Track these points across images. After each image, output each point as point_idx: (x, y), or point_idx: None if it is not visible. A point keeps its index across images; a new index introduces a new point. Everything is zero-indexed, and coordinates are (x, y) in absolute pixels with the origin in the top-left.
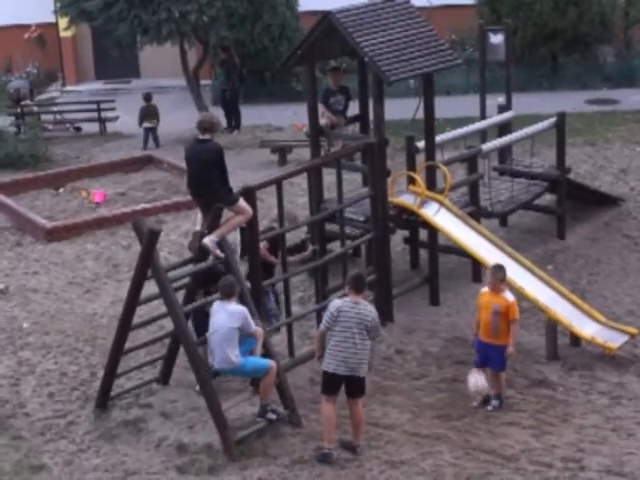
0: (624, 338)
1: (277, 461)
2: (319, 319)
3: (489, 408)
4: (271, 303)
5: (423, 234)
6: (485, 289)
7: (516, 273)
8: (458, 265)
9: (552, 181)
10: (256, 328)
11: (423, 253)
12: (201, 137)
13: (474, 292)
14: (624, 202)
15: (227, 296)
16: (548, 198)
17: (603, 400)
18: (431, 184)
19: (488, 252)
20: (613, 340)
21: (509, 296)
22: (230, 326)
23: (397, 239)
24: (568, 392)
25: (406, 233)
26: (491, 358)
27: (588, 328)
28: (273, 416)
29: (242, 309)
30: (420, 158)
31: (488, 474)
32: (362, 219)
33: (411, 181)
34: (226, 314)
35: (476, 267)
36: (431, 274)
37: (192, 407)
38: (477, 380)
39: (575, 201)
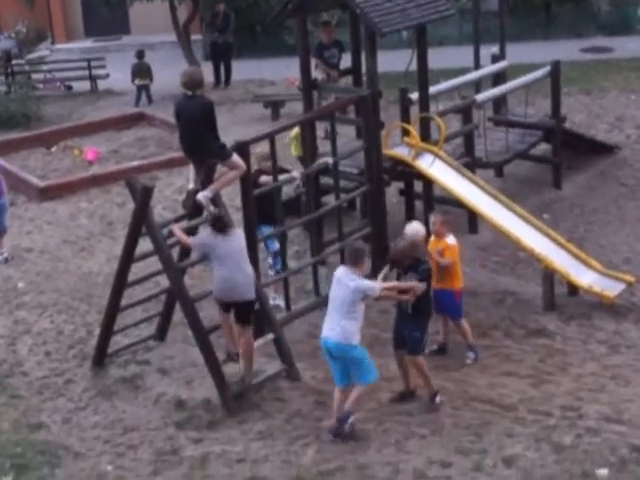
0: (621, 286)
1: (276, 415)
2: (315, 273)
3: (467, 362)
4: (275, 246)
5: (418, 186)
6: (432, 237)
7: (512, 223)
8: (453, 216)
9: (547, 130)
10: (374, 286)
11: (418, 205)
12: (190, 94)
13: (470, 243)
14: (620, 150)
15: (353, 263)
16: (544, 147)
17: (601, 349)
18: (425, 136)
19: (484, 203)
20: (610, 289)
21: (450, 240)
22: (353, 298)
23: (392, 191)
24: (566, 341)
25: (401, 185)
26: (443, 304)
27: (585, 277)
28: (348, 429)
29: (366, 284)
30: (414, 110)
31: (487, 424)
32: (357, 172)
33: (405, 133)
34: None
35: (472, 218)
36: (427, 226)
37: (189, 363)
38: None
39: (571, 150)
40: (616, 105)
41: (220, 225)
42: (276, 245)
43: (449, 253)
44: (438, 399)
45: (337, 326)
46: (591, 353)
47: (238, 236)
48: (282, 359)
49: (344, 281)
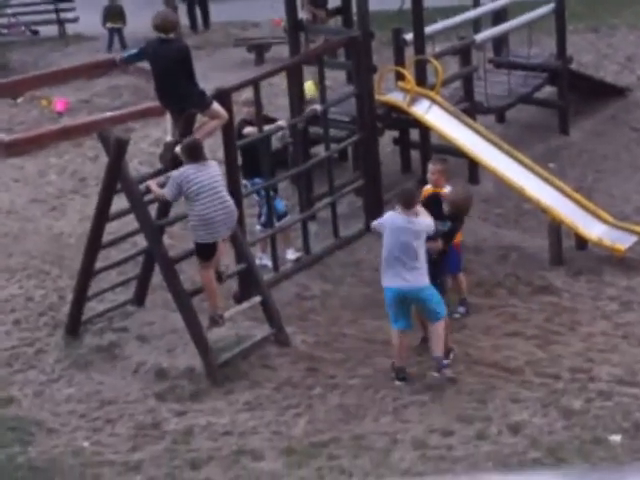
0: (633, 239)
1: (264, 384)
2: (305, 229)
3: (456, 316)
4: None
5: (414, 134)
6: (428, 185)
7: (516, 172)
8: (453, 166)
9: (552, 72)
10: (431, 223)
11: (415, 154)
12: (164, 37)
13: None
14: (631, 92)
15: (409, 206)
16: (548, 90)
17: (612, 306)
18: (421, 80)
19: (485, 151)
20: (621, 241)
21: (448, 189)
22: (418, 241)
23: (386, 140)
24: (574, 298)
25: (395, 133)
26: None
27: (594, 229)
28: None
29: (428, 223)
30: (409, 52)
31: (491, 388)
32: (347, 120)
33: (399, 77)
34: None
35: (472, 168)
36: (425, 177)
37: (171, 329)
38: None
39: (578, 93)
40: (626, 44)
41: (197, 152)
42: (282, 206)
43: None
44: (452, 356)
45: (409, 273)
46: (601, 311)
47: (213, 166)
48: (270, 323)
49: (406, 226)
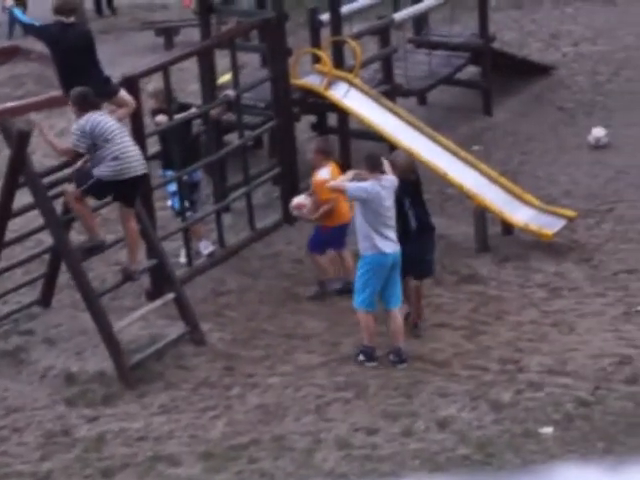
0: (561, 223)
1: (180, 385)
2: (219, 221)
3: (308, 295)
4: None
5: (332, 119)
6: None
7: (438, 157)
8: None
9: (475, 51)
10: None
11: (333, 140)
12: (66, 21)
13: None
14: (556, 70)
15: (377, 167)
16: (471, 71)
17: (540, 293)
18: (339, 62)
19: (406, 135)
20: (549, 226)
21: (322, 173)
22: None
23: (303, 126)
24: (501, 286)
25: (313, 119)
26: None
27: (521, 214)
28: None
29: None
30: (325, 33)
31: (418, 383)
32: (262, 105)
33: (316, 59)
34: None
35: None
36: (343, 163)
37: (79, 330)
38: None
39: (502, 72)
40: (550, 20)
41: (92, 101)
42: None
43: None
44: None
45: (394, 235)
46: (529, 298)
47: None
48: (185, 321)
49: (387, 187)
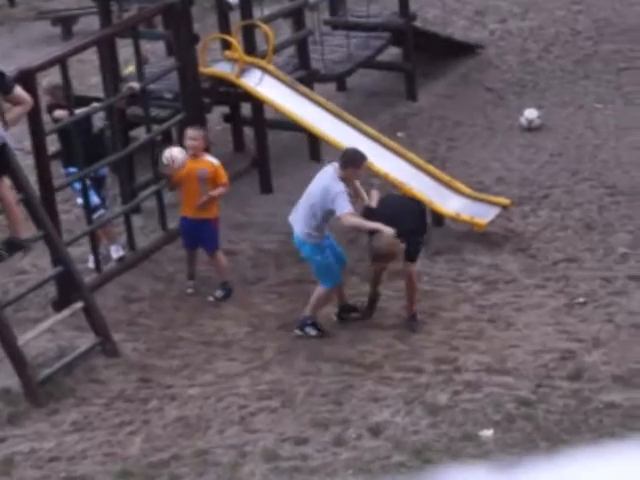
0: (495, 211)
1: (93, 400)
2: (128, 223)
3: (210, 298)
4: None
5: (246, 109)
6: (184, 154)
7: (361, 145)
8: (292, 142)
9: (396, 31)
10: (344, 209)
11: (248, 131)
12: None
13: (314, 173)
14: (483, 49)
15: (342, 164)
16: (393, 52)
17: (475, 287)
18: (250, 48)
19: (326, 124)
20: (482, 215)
21: (213, 159)
22: (318, 201)
23: (215, 117)
24: (434, 281)
25: (225, 109)
26: (203, 237)
27: (451, 203)
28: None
29: (339, 199)
30: (235, 17)
31: (348, 388)
32: (170, 97)
33: (226, 46)
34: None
35: (313, 143)
36: (260, 156)
37: None
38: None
39: (425, 53)
40: None
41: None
42: (94, 199)
43: (221, 174)
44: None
45: (300, 218)
46: (464, 293)
47: None
48: (95, 331)
49: (323, 176)
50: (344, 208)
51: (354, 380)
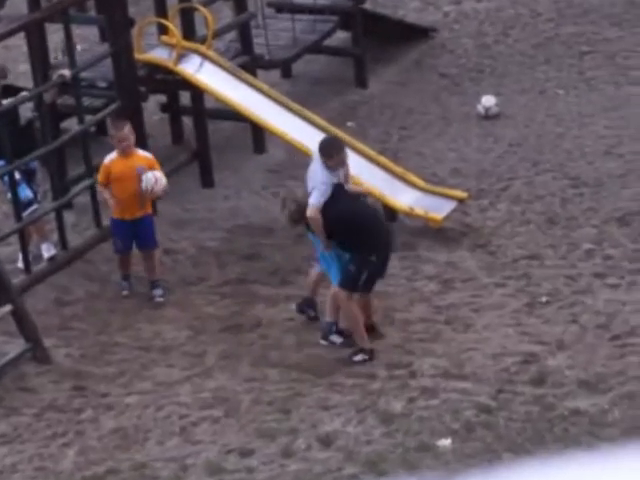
0: (451, 205)
1: (22, 410)
2: (60, 220)
3: (158, 299)
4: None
5: (185, 97)
6: (111, 156)
7: (308, 136)
8: (234, 133)
9: (344, 14)
10: (313, 203)
11: (187, 122)
12: None
13: (258, 166)
14: (437, 33)
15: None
16: (341, 37)
17: (431, 286)
18: (189, 32)
19: (270, 113)
20: (437, 209)
21: (145, 152)
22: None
23: (152, 107)
24: (387, 280)
25: (163, 98)
26: (144, 235)
27: (405, 197)
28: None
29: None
30: (171, 0)
31: (295, 395)
32: (104, 85)
33: (163, 30)
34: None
35: (257, 133)
36: (200, 148)
37: None
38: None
39: (376, 37)
40: None
41: None
42: (28, 193)
43: (157, 165)
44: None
45: None
46: (419, 292)
47: None
48: (25, 336)
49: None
50: (315, 201)
51: (302, 387)
